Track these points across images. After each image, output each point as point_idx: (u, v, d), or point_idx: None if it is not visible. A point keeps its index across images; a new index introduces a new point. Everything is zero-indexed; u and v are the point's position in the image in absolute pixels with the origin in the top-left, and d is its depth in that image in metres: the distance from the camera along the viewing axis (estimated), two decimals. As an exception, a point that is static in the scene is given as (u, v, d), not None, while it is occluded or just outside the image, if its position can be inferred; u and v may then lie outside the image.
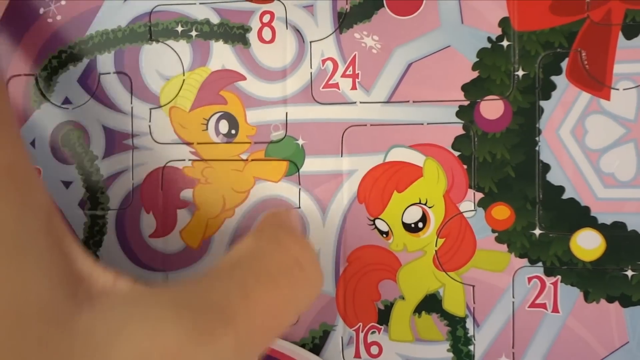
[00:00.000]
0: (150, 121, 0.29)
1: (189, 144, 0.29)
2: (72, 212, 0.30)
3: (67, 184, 0.30)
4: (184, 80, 0.29)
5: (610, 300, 0.26)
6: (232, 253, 0.20)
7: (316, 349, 0.28)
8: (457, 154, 0.27)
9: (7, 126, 0.17)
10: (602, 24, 0.26)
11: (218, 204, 0.29)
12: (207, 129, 0.29)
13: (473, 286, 0.27)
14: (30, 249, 0.15)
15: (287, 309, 0.19)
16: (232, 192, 0.28)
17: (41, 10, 0.30)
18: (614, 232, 0.26)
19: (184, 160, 0.29)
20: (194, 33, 0.29)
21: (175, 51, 0.29)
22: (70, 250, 0.17)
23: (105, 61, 0.30)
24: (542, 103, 0.27)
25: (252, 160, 0.29)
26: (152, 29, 0.29)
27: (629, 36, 0.26)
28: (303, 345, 0.28)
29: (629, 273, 0.26)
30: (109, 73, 0.30)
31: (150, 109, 0.29)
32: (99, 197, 0.30)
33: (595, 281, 0.26)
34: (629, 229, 0.26)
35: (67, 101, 0.30)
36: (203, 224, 0.29)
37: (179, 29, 0.29)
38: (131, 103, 0.30)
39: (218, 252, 0.29)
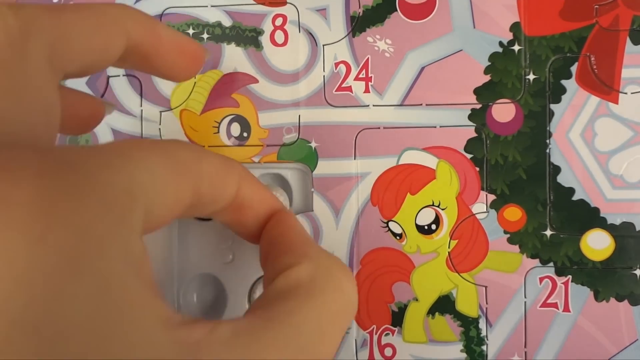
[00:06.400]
0: (160, 124, 0.29)
1: (200, 147, 0.29)
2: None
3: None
4: (195, 83, 0.29)
5: (619, 299, 0.27)
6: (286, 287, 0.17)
7: (330, 351, 0.28)
8: (469, 156, 0.28)
9: None
10: (610, 29, 0.27)
11: None
12: (218, 132, 0.29)
13: (486, 287, 0.27)
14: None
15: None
16: None
17: (48, 12, 0.30)
18: (623, 233, 0.27)
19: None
20: (205, 36, 0.29)
21: (186, 54, 0.29)
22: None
23: (114, 63, 0.29)
24: (553, 106, 0.27)
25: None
26: (162, 31, 0.29)
27: (636, 42, 0.27)
28: (317, 348, 0.28)
29: (637, 272, 0.26)
30: (119, 75, 0.29)
31: (161, 111, 0.29)
32: (108, 201, 0.29)
33: (604, 280, 0.27)
34: (637, 229, 0.27)
35: (74, 104, 0.30)
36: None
37: (190, 31, 0.29)
38: (141, 106, 0.29)
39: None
